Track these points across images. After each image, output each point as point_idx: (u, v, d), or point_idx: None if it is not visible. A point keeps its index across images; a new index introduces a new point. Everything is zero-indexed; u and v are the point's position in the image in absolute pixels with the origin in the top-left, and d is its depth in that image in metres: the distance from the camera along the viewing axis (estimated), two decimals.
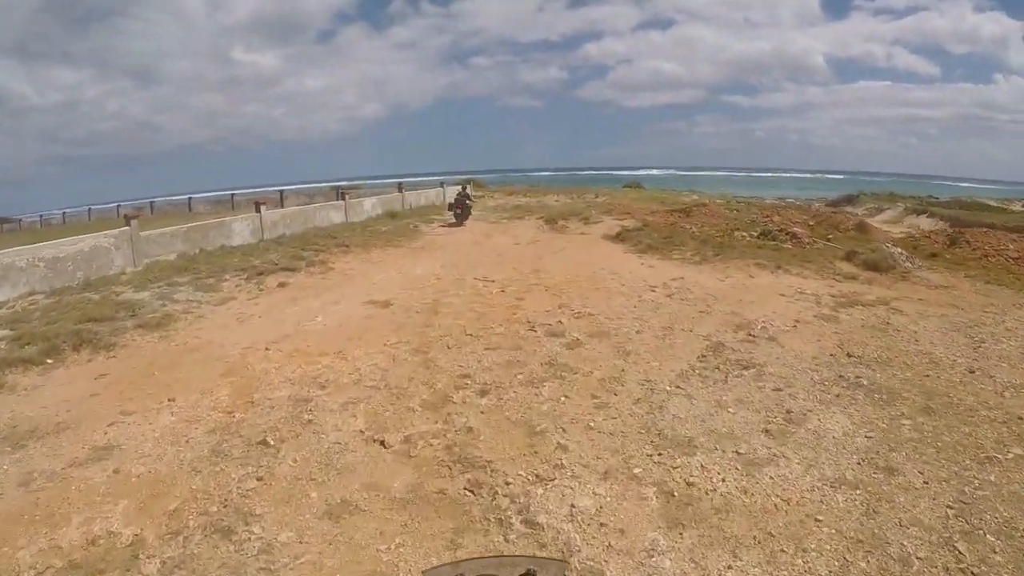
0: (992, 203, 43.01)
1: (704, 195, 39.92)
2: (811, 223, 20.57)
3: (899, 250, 15.72)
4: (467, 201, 23.73)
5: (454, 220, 22.12)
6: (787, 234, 17.59)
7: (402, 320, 9.43)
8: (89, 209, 45.63)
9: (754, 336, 8.39)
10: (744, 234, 18.38)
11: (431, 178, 30.35)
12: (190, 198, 43.09)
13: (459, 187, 30.95)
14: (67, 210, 45.52)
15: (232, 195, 39.34)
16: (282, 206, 33.04)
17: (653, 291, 10.94)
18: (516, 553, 3.56)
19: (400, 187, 26.10)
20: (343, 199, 22.23)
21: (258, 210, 18.79)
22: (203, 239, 16.62)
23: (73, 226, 38.31)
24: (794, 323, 9.03)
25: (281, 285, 12.46)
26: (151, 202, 43.87)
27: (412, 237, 18.69)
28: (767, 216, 21.93)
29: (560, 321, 8.92)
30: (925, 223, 32.15)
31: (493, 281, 12.06)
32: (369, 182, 34.98)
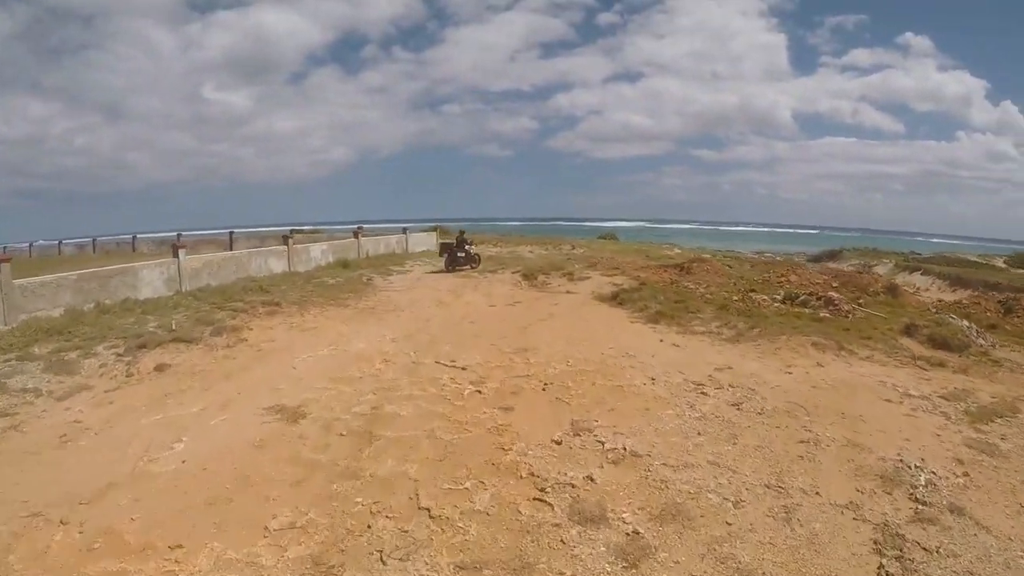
0: (974, 258, 41.32)
1: (686, 249, 37.15)
2: (834, 284, 17.38)
3: (966, 323, 12.52)
4: (467, 248, 20.12)
5: (444, 268, 19.51)
6: (818, 299, 14.26)
7: (312, 455, 5.44)
8: (31, 244, 40.11)
9: (924, 502, 4.69)
10: (763, 297, 14.97)
11: (398, 225, 26.34)
12: (134, 236, 38.22)
13: (426, 233, 27.38)
14: (7, 245, 39.92)
15: (178, 235, 34.71)
16: (231, 248, 28.95)
17: (703, 393, 7.24)
18: None
19: (356, 232, 22.22)
20: (286, 244, 18.27)
21: (175, 255, 14.67)
22: (101, 290, 12.44)
23: None
24: (958, 467, 5.39)
25: (159, 368, 8.38)
26: (93, 240, 38.83)
27: (362, 293, 14.74)
28: (781, 276, 18.70)
29: (590, 477, 4.96)
30: (920, 280, 29.68)
31: (464, 369, 8.21)
32: (335, 227, 30.94)
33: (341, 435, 5.82)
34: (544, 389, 7.25)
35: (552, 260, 22.60)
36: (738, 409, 6.64)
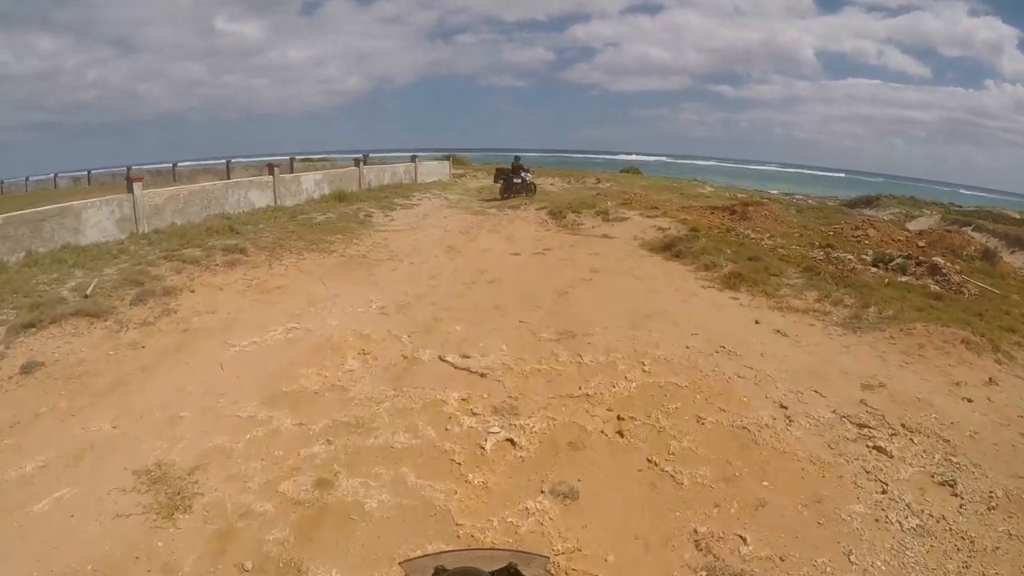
0: (1016, 215, 37.16)
1: (718, 187, 33.36)
2: (920, 244, 14.03)
3: None
4: (524, 175, 17.92)
5: (500, 197, 17.49)
6: (918, 263, 11.03)
7: None
8: (27, 179, 36.32)
9: None
10: (849, 256, 11.73)
11: (411, 154, 22.73)
12: (128, 168, 34.59)
13: (438, 162, 24.14)
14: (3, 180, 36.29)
15: (174, 165, 31.31)
16: (227, 177, 25.65)
17: (878, 449, 4.19)
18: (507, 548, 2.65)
19: (358, 161, 18.81)
20: (271, 173, 15.04)
21: (130, 189, 11.55)
22: (33, 235, 9.47)
23: None
24: None
25: (26, 370, 5.41)
26: (88, 172, 35.33)
27: (355, 235, 11.60)
28: (857, 230, 15.36)
29: None
30: (978, 238, 25.99)
31: (483, 376, 5.23)
32: (347, 156, 27.42)
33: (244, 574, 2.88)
34: (621, 435, 4.23)
35: (580, 195, 19.21)
36: (958, 501, 3.61)
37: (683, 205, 18.39)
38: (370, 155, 31.06)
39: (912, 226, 28.15)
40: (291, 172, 26.21)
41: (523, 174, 18.01)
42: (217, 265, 8.90)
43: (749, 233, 14.39)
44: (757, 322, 7.22)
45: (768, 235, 14.18)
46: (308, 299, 7.57)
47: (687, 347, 6.05)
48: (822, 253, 11.99)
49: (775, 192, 41.07)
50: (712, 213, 16.94)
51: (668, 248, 11.63)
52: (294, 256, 9.70)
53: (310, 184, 16.28)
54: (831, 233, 15.42)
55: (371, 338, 6.16)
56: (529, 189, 18.01)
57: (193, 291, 7.64)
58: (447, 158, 25.09)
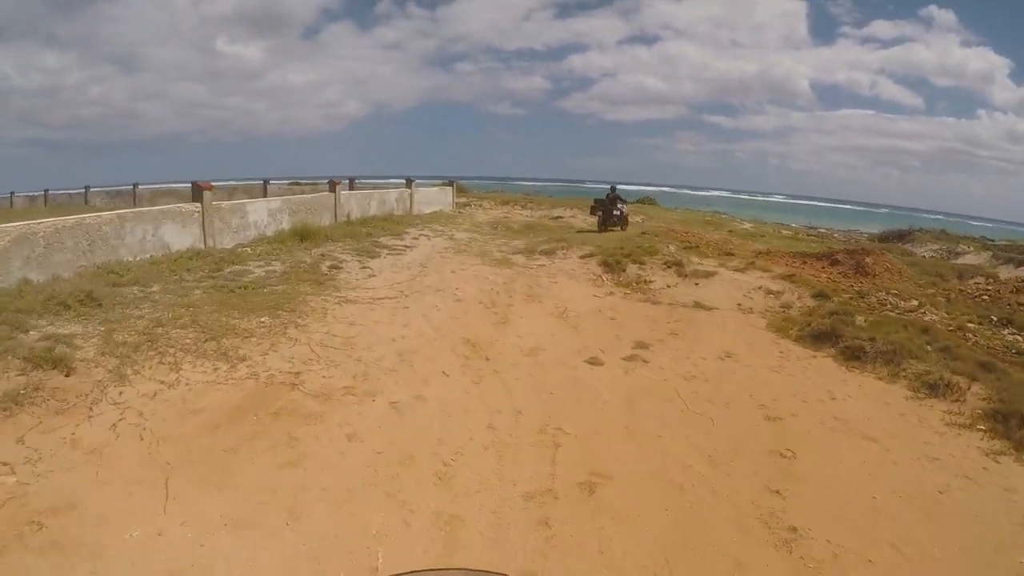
0: None
1: (755, 223, 28.84)
2: None
3: None
4: (620, 205, 15.63)
5: (597, 228, 15.36)
6: None
7: None
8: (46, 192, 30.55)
9: None
10: None
11: (401, 180, 17.66)
12: (86, 188, 29.27)
13: (439, 188, 19.51)
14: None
15: (135, 186, 26.14)
16: (135, 204, 20.21)
17: None
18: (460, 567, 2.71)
19: (333, 184, 13.86)
20: (200, 201, 10.12)
21: None
22: None
23: None
24: None
25: None
26: (45, 192, 29.86)
27: (298, 315, 6.33)
28: (985, 288, 10.97)
29: None
30: None
31: None
32: (345, 181, 22.46)
33: None
34: None
35: (621, 234, 14.58)
36: None
37: (757, 250, 13.67)
38: (361, 180, 26.19)
39: (964, 262, 23.67)
40: (264, 195, 21.38)
41: (620, 206, 15.51)
42: None
43: (889, 299, 9.82)
44: None
45: (914, 302, 9.68)
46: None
47: None
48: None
49: (795, 225, 36.76)
50: (805, 263, 12.29)
51: (823, 339, 6.88)
52: (156, 382, 4.72)
53: (260, 216, 11.34)
54: (985, 297, 10.91)
55: None
56: (624, 222, 15.51)
57: None
58: (450, 184, 20.28)
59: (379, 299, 7.49)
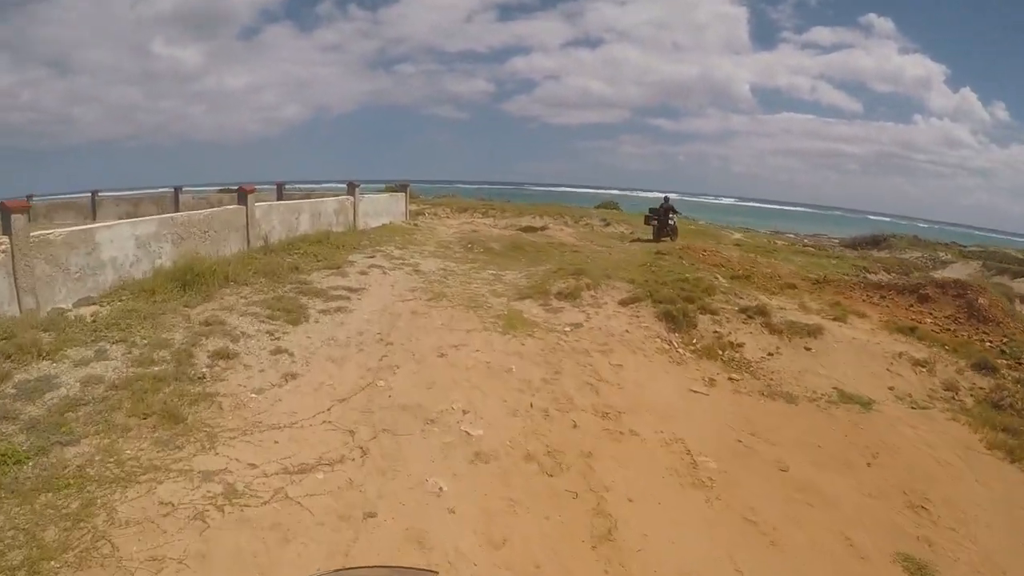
0: (1016, 253, 32.01)
1: (747, 232, 26.24)
2: None
3: None
4: (673, 215, 15.38)
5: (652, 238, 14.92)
6: None
7: None
8: None
9: None
10: None
11: (342, 186, 13.29)
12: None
13: (388, 195, 15.58)
14: None
15: (29, 198, 20.31)
16: (8, 234, 14.97)
17: None
18: (393, 565, 2.66)
19: (244, 192, 9.65)
20: (7, 232, 5.98)
21: None
22: None
23: None
24: None
25: None
26: None
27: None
28: None
29: None
30: None
31: None
32: (292, 187, 17.75)
33: None
34: None
35: (636, 258, 11.23)
36: None
37: (814, 278, 10.51)
38: (296, 185, 21.46)
39: (950, 274, 21.58)
40: (175, 208, 16.68)
41: (672, 216, 15.28)
42: None
43: (970, 334, 6.90)
44: None
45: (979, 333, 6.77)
46: None
47: None
48: None
49: (764, 231, 34.62)
50: (884, 300, 9.26)
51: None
52: None
53: (122, 249, 7.15)
54: None
55: None
56: (675, 232, 15.25)
57: None
58: (402, 189, 16.25)
59: (302, 470, 3.60)
